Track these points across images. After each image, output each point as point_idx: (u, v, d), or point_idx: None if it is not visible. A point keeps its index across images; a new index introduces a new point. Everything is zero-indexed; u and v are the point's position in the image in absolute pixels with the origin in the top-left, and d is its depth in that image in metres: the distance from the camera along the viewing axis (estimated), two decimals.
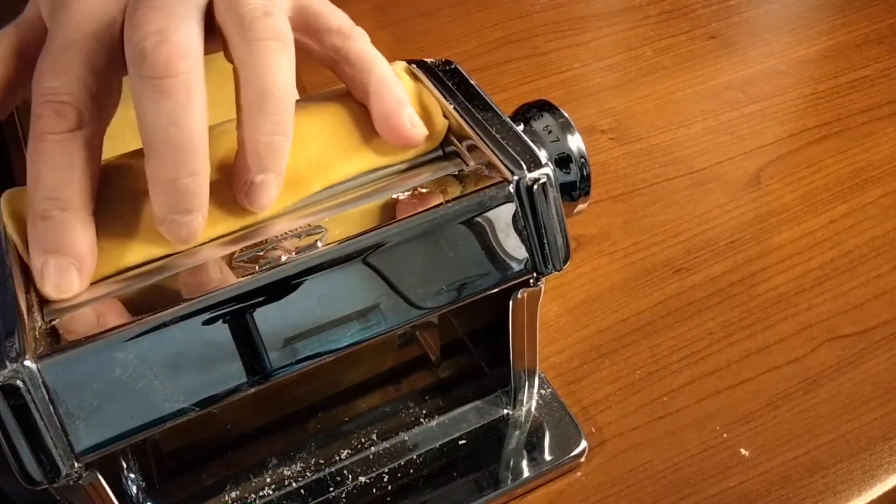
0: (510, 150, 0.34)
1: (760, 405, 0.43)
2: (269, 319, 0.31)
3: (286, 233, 0.33)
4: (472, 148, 0.36)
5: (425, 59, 0.40)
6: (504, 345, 0.39)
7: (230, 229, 0.33)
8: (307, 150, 0.35)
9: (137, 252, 0.32)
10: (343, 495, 0.39)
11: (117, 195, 0.32)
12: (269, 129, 0.31)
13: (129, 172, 0.33)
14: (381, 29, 0.68)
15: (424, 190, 0.35)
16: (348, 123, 0.36)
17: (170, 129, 0.29)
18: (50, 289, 0.30)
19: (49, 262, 0.30)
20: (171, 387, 0.29)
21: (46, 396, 0.28)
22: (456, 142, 0.37)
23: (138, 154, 0.33)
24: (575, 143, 0.37)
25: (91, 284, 0.31)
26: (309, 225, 0.33)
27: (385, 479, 0.40)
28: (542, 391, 0.43)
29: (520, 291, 0.36)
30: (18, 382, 0.27)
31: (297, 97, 0.33)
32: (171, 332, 0.29)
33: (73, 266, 0.30)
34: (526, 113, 0.38)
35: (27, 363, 0.27)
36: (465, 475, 0.40)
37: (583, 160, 0.37)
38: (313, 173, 0.35)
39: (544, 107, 0.38)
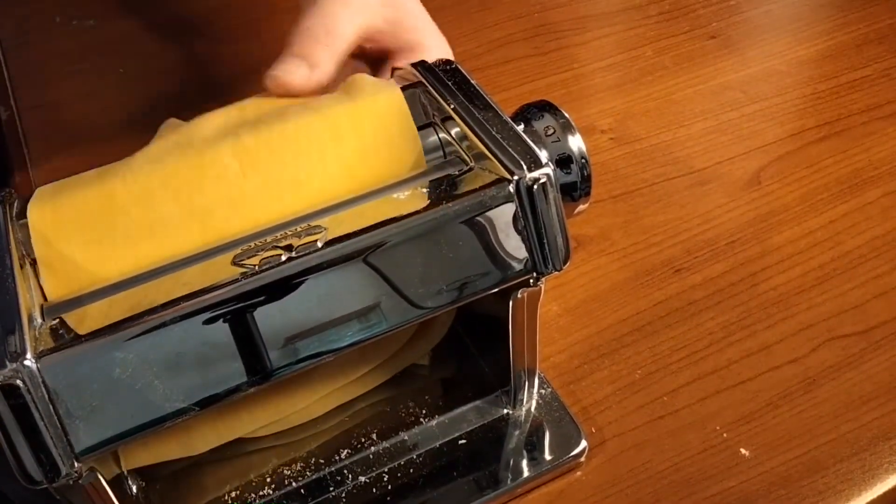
0: (510, 150, 0.34)
1: (761, 405, 0.43)
2: (269, 319, 0.31)
3: (286, 232, 0.33)
4: (472, 148, 0.36)
5: (425, 59, 0.40)
6: (504, 344, 0.39)
7: (232, 231, 0.33)
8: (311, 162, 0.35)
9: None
10: (343, 495, 0.39)
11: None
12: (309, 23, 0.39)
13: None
14: None
15: (424, 190, 0.35)
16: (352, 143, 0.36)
17: None
18: (275, 71, 0.37)
19: (288, 58, 0.38)
20: (170, 386, 0.29)
21: (46, 396, 0.28)
22: (456, 142, 0.37)
23: None
24: (576, 143, 0.37)
25: (90, 285, 0.31)
26: (309, 224, 0.33)
27: (385, 479, 0.40)
28: (542, 391, 0.43)
29: (520, 291, 0.36)
30: (18, 382, 0.27)
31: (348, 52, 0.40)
32: (171, 332, 0.29)
33: (306, 66, 0.37)
34: (527, 113, 0.38)
35: (27, 362, 0.27)
36: (465, 475, 0.40)
37: (583, 161, 0.37)
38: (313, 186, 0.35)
39: (545, 107, 0.38)
